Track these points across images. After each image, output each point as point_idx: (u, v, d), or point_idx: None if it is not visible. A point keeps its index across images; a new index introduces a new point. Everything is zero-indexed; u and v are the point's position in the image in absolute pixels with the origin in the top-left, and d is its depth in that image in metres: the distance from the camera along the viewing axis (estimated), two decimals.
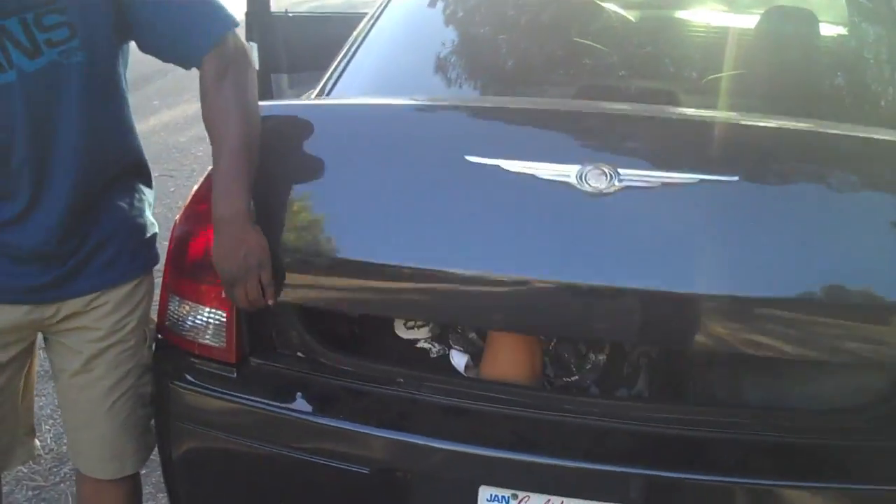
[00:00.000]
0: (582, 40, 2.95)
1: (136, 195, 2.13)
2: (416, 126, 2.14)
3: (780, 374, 2.02)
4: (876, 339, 1.85)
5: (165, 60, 2.00)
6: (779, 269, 1.80)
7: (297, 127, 2.15)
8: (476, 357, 2.11)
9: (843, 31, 3.32)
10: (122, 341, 2.15)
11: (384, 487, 1.99)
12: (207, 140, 1.97)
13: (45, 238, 1.94)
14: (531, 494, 1.91)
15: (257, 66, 2.22)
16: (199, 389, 2.11)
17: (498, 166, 1.87)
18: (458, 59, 3.02)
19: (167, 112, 8.38)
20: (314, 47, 3.15)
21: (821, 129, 2.10)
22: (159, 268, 2.20)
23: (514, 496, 1.92)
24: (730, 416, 1.94)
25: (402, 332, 2.18)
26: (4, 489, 2.96)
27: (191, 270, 2.15)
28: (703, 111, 2.40)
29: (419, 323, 2.18)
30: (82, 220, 1.99)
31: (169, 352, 2.20)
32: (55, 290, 2.02)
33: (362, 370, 2.08)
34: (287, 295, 2.03)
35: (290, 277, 2.02)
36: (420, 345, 2.15)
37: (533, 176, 1.82)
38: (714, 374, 2.10)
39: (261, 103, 2.01)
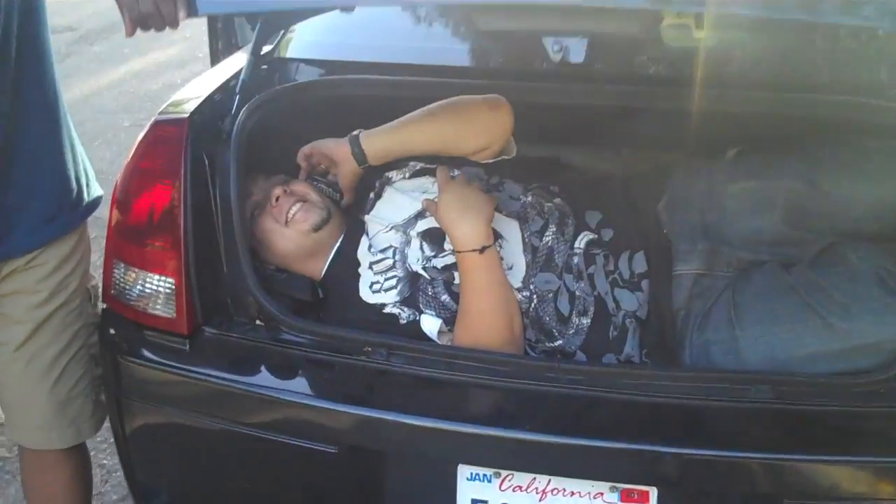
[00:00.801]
0: None
1: (64, 145, 1.94)
2: None
3: None
4: None
5: None
6: None
7: None
8: (450, 322, 1.93)
9: None
10: (67, 303, 2.00)
11: (353, 467, 1.81)
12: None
13: None
14: (515, 473, 1.74)
15: None
16: (149, 364, 1.92)
17: None
18: None
19: (138, 60, 8.07)
20: None
21: None
22: (102, 232, 2.01)
23: (497, 474, 1.75)
24: (729, 381, 1.75)
25: (368, 296, 2.00)
26: None
27: (135, 234, 1.95)
28: None
29: (385, 285, 1.98)
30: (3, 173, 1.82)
31: (116, 322, 2.00)
32: None
33: (326, 339, 1.89)
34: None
35: None
36: (388, 310, 1.96)
37: None
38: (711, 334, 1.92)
39: None
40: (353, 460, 1.79)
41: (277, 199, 2.08)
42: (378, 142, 2.10)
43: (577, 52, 2.45)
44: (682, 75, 2.29)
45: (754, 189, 2.00)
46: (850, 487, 1.67)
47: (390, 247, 2.04)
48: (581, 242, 2.03)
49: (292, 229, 2.07)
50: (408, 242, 2.04)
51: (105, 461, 2.92)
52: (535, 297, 1.95)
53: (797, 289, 1.87)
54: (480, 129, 2.07)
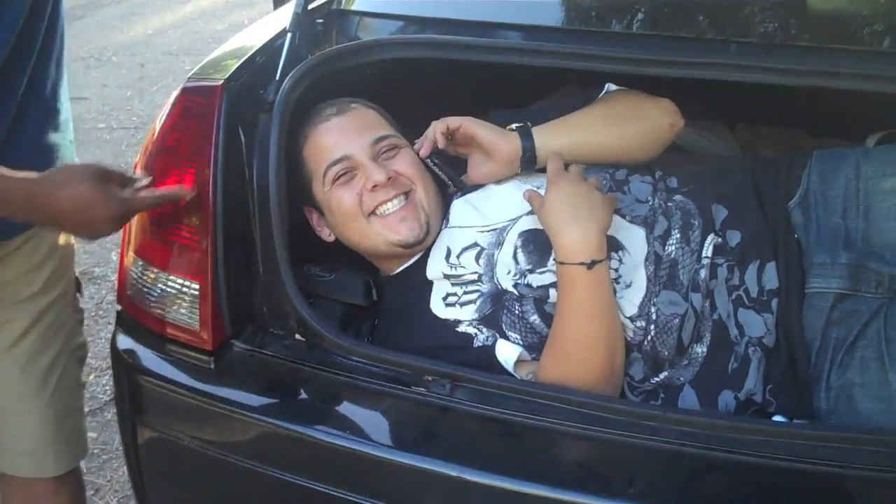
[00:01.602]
0: None
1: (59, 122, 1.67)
2: None
3: None
4: None
5: None
6: None
7: None
8: (535, 349, 1.57)
9: None
10: (63, 295, 1.77)
11: None
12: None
13: None
14: None
15: None
16: (167, 386, 1.61)
17: None
18: None
19: None
20: None
21: None
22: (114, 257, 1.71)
23: None
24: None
25: (440, 309, 1.65)
26: None
27: (155, 225, 1.63)
28: None
29: (463, 299, 1.62)
30: None
31: (131, 329, 1.69)
32: None
33: (377, 364, 1.55)
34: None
35: None
36: (462, 328, 1.62)
37: None
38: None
39: None
40: None
41: (375, 188, 1.67)
42: (552, 141, 1.68)
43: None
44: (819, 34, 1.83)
45: None
46: None
47: (476, 252, 1.67)
48: (708, 250, 1.63)
49: (374, 229, 1.70)
50: (498, 246, 1.66)
51: (97, 480, 2.64)
52: (652, 326, 1.57)
53: None
54: (656, 144, 1.74)
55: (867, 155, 1.71)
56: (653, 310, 1.57)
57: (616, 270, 1.58)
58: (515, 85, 2.07)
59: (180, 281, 1.60)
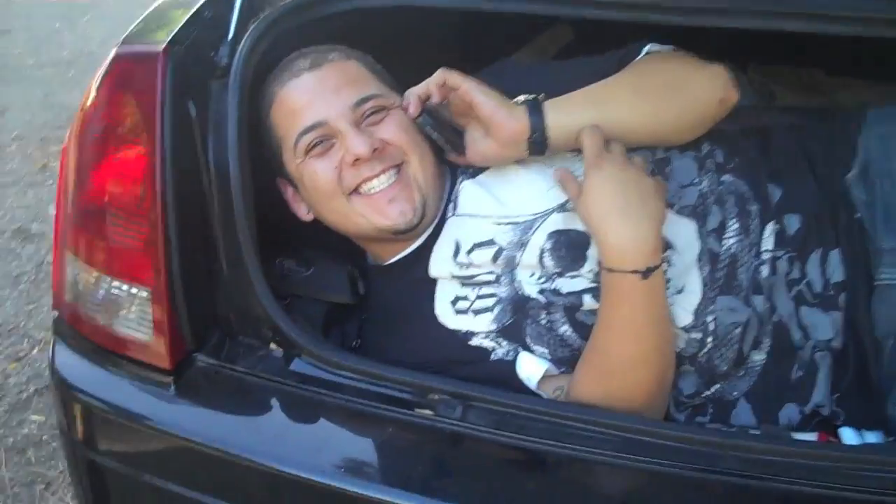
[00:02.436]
0: None
1: None
2: None
3: None
4: None
5: None
6: None
7: None
8: (564, 363, 1.30)
9: None
10: None
11: None
12: None
13: None
14: None
15: None
16: (118, 414, 1.33)
17: None
18: None
19: None
20: None
21: None
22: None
23: None
24: None
25: (448, 317, 1.37)
26: None
27: (93, 218, 1.35)
28: None
29: (477, 305, 1.35)
30: None
31: (73, 342, 1.41)
32: None
33: (372, 380, 1.28)
34: None
35: None
36: (476, 341, 1.35)
37: None
38: None
39: None
40: None
41: (357, 162, 1.36)
42: (568, 119, 1.31)
43: None
44: None
45: None
46: None
47: (493, 251, 1.36)
48: (769, 242, 1.35)
49: (357, 210, 1.39)
50: (521, 247, 1.36)
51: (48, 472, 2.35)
52: (710, 339, 1.30)
53: None
54: (699, 126, 1.38)
55: None
56: (709, 318, 1.30)
57: (665, 273, 1.28)
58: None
59: (126, 286, 1.32)
